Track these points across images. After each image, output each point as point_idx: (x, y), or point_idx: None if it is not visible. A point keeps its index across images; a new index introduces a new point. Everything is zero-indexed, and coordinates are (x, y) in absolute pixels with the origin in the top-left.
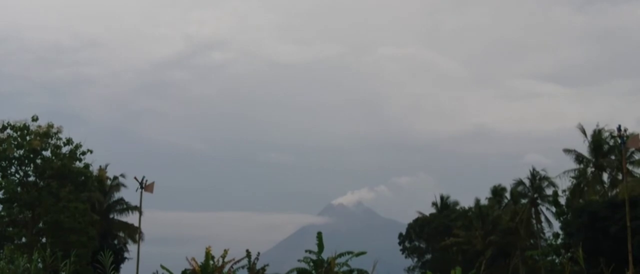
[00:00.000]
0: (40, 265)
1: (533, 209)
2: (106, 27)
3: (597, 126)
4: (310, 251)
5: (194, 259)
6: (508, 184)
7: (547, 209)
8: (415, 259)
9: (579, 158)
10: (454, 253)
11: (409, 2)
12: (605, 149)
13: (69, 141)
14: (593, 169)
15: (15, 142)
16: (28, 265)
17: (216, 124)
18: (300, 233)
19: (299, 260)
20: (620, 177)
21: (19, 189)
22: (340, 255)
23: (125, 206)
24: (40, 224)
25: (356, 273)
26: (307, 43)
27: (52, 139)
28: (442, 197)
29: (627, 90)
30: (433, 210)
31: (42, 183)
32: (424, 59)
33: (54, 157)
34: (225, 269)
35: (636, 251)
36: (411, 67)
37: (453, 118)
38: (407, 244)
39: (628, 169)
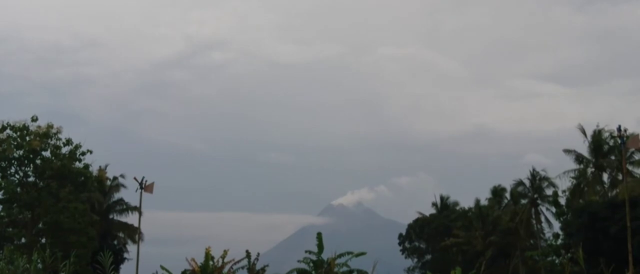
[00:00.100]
0: (39, 266)
1: (533, 210)
2: (106, 27)
3: (597, 126)
4: (310, 252)
5: (193, 259)
6: (508, 184)
7: (547, 209)
8: (415, 260)
9: (579, 158)
10: (454, 253)
11: (409, 2)
12: (605, 149)
13: (68, 142)
14: (593, 170)
15: (15, 143)
16: (28, 266)
17: (216, 124)
18: (300, 233)
19: (298, 260)
20: (620, 177)
21: (18, 189)
22: (340, 255)
23: (124, 207)
24: (40, 225)
25: (356, 273)
26: (307, 43)
27: (51, 140)
28: (442, 198)
29: (627, 90)
30: (433, 210)
31: (41, 184)
32: (424, 59)
33: (53, 158)
34: (225, 270)
35: (636, 252)
36: (411, 67)
37: (453, 118)
38: (407, 244)
39: (628, 170)
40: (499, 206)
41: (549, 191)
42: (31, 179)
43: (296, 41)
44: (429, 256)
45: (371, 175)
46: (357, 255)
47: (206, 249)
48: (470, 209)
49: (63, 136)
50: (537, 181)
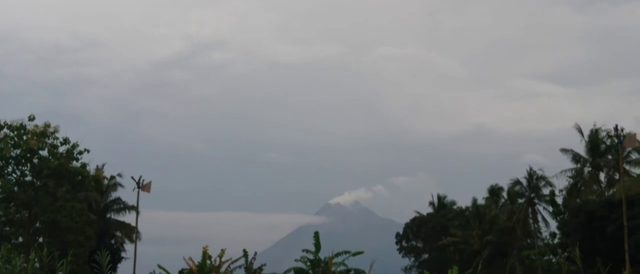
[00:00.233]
0: (37, 265)
1: (530, 209)
2: (106, 27)
3: (594, 125)
4: (307, 251)
5: (191, 258)
6: (505, 183)
7: (544, 208)
8: (413, 259)
9: (576, 158)
10: (451, 252)
11: (409, 2)
12: (602, 148)
13: (65, 141)
14: (590, 169)
15: (12, 142)
16: (25, 265)
17: (216, 124)
18: (297, 233)
19: (296, 260)
20: (617, 176)
21: (15, 188)
22: (338, 255)
23: (122, 206)
24: (37, 224)
25: (353, 272)
26: (307, 43)
27: (48, 139)
28: (439, 197)
29: (627, 90)
30: (430, 210)
31: (39, 183)
32: (423, 59)
33: (50, 157)
34: (222, 269)
35: (633, 251)
36: (411, 67)
37: (453, 118)
38: (404, 243)
39: (625, 169)
40: (496, 206)
41: (546, 191)
42: (28, 178)
43: (296, 41)
44: (426, 255)
45: (370, 175)
46: (355, 254)
47: (203, 248)
48: (467, 208)
49: (60, 135)
50: (534, 180)
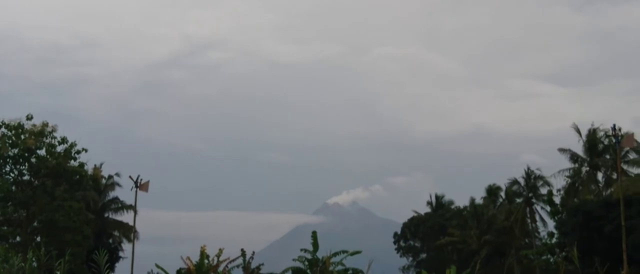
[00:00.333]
0: (34, 264)
1: (528, 209)
2: (105, 27)
3: (592, 125)
4: (305, 250)
5: (188, 258)
6: (503, 183)
7: (542, 208)
8: (411, 259)
9: (574, 157)
10: (449, 252)
11: (409, 2)
12: (600, 148)
13: (63, 140)
14: (588, 169)
15: (10, 141)
16: (23, 264)
17: (215, 124)
18: (295, 232)
19: (293, 259)
20: (614, 176)
21: (13, 188)
22: (335, 254)
23: (120, 205)
24: (35, 223)
25: (351, 272)
26: (307, 43)
27: (46, 138)
28: (437, 197)
29: (626, 90)
30: (428, 209)
31: (36, 182)
32: (423, 59)
33: (48, 156)
34: (220, 269)
35: (631, 251)
36: (410, 67)
37: (452, 118)
38: (402, 243)
39: (623, 169)
40: (494, 205)
41: (543, 190)
42: (26, 177)
43: (296, 41)
44: (424, 255)
45: (369, 175)
46: (352, 254)
47: (201, 247)
48: (465, 208)
49: (58, 135)
50: (532, 180)
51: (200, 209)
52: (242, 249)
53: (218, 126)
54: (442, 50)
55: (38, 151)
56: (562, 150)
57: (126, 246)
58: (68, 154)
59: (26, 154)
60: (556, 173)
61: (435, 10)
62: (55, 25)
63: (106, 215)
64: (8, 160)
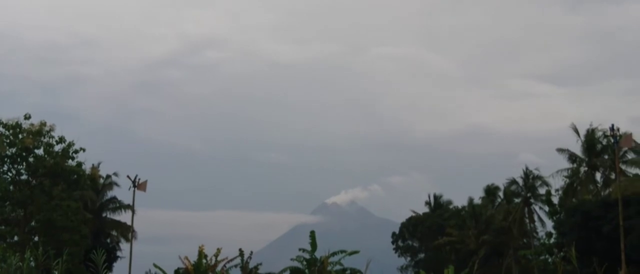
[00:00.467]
0: (32, 264)
1: (526, 209)
2: (104, 26)
3: (591, 125)
4: (303, 250)
5: (186, 258)
6: (501, 183)
7: (540, 208)
8: (409, 259)
9: (572, 157)
10: (447, 252)
11: (408, 2)
12: (599, 148)
13: (61, 139)
14: (586, 169)
15: (8, 141)
16: (20, 264)
17: (214, 124)
18: (293, 232)
19: (292, 259)
20: (613, 176)
21: (11, 187)
22: (334, 254)
23: (118, 205)
24: (33, 223)
25: (349, 271)
26: (306, 43)
27: (44, 138)
28: (435, 197)
29: (626, 90)
30: (426, 209)
31: (34, 181)
32: (422, 59)
33: (46, 156)
34: (218, 268)
35: (629, 251)
36: (410, 67)
37: (451, 118)
38: (400, 243)
39: (621, 169)
40: (492, 205)
41: (542, 190)
42: (24, 177)
43: (295, 41)
44: (422, 255)
45: (369, 175)
46: (351, 254)
47: (199, 247)
48: (463, 208)
49: (56, 134)
50: (530, 180)
51: (199, 208)
52: (240, 249)
53: (217, 126)
54: (442, 50)
55: (36, 151)
56: (560, 150)
57: (124, 245)
58: (66, 153)
59: (24, 154)
60: (554, 173)
61: (435, 10)
62: (54, 25)
63: (104, 215)
64: (6, 159)
